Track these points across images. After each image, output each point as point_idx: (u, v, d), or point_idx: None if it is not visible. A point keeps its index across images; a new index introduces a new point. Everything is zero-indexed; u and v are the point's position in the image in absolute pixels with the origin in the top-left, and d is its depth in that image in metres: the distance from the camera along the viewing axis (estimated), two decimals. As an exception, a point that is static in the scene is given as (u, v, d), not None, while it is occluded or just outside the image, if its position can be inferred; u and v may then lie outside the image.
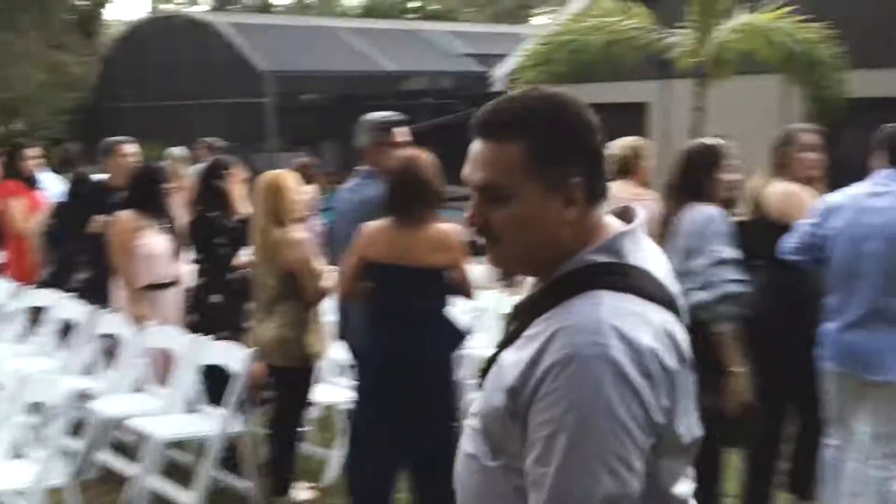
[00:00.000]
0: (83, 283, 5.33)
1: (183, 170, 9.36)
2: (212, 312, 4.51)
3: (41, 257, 5.71)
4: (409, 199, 3.32)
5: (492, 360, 1.36)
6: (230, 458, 4.19)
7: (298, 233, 4.00)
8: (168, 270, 4.75)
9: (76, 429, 4.41)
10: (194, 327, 4.52)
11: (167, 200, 4.90)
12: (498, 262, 1.37)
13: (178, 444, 4.39)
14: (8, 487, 3.54)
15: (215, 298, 4.51)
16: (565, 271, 1.31)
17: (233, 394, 4.02)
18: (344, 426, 4.38)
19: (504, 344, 1.35)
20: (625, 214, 1.39)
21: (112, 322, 4.87)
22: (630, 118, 10.84)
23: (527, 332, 1.29)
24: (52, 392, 3.60)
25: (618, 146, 4.50)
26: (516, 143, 1.28)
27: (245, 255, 4.44)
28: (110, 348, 4.95)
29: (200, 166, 9.31)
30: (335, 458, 4.37)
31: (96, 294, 5.08)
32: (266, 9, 28.76)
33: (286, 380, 4.05)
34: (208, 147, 9.81)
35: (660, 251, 1.41)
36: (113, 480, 4.31)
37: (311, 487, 4.24)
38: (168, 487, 4.05)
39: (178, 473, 4.24)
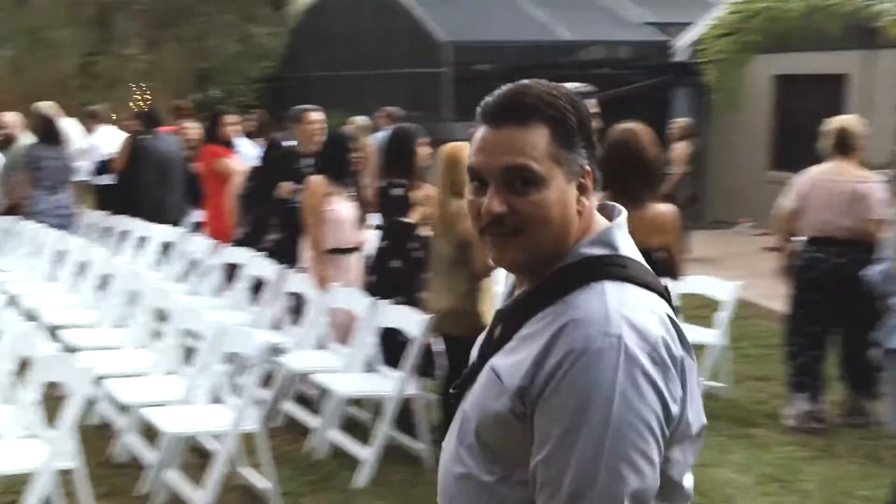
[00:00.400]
0: (274, 243, 5.66)
1: (365, 138, 9.72)
2: (390, 277, 4.68)
3: (236, 218, 6.10)
4: (627, 175, 3.19)
5: (474, 372, 1.30)
6: (405, 418, 4.34)
7: None
8: (352, 236, 4.95)
9: (265, 380, 4.72)
10: (372, 289, 4.72)
11: (354, 168, 5.09)
12: (512, 257, 1.28)
13: (357, 401, 4.59)
14: (206, 430, 3.85)
15: (395, 264, 4.67)
16: (563, 266, 1.26)
17: (409, 357, 4.16)
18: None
19: (489, 351, 1.29)
20: (603, 209, 1.36)
21: (299, 282, 5.15)
22: (826, 91, 10.13)
23: (520, 333, 1.24)
24: (247, 344, 3.86)
25: (836, 123, 4.23)
26: (541, 127, 1.25)
27: (424, 225, 4.56)
28: (296, 306, 5.24)
29: (381, 135, 9.63)
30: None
31: (286, 254, 5.37)
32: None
33: (459, 349, 4.12)
34: (388, 116, 10.10)
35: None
36: (296, 430, 4.59)
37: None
38: (346, 441, 4.26)
39: (356, 429, 4.45)
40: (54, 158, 7.23)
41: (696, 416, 1.23)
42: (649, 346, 1.16)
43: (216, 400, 4.03)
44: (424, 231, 4.56)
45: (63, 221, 7.15)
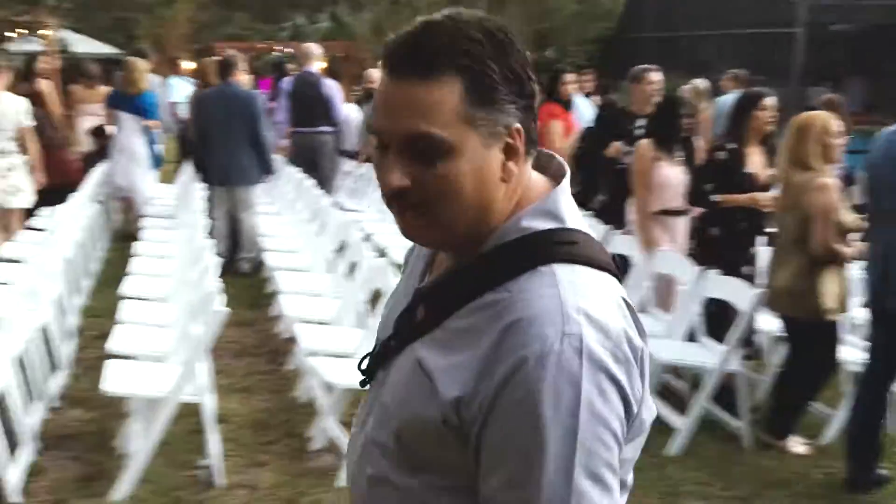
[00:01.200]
0: (601, 204, 5.72)
1: (703, 102, 9.36)
2: (708, 244, 4.54)
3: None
4: None
5: (388, 352, 1.10)
6: (724, 394, 4.22)
7: (825, 178, 3.78)
8: (681, 200, 4.85)
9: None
10: (691, 256, 4.62)
11: (687, 132, 4.96)
12: (422, 234, 1.07)
13: (674, 370, 4.54)
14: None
15: (714, 231, 4.53)
16: (499, 243, 1.05)
17: (735, 331, 4.01)
18: (850, 387, 4.11)
19: (409, 333, 1.08)
20: (547, 164, 1.12)
21: (624, 243, 5.17)
22: None
23: (453, 324, 1.03)
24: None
25: None
26: (451, 80, 1.00)
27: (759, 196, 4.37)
28: (621, 267, 5.27)
29: (727, 98, 9.24)
30: (837, 418, 4.13)
31: (612, 215, 5.41)
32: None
33: (795, 331, 3.92)
34: (735, 78, 9.61)
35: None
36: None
37: (807, 444, 4.08)
38: (662, 408, 4.24)
39: (670, 396, 4.41)
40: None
41: (649, 411, 1.08)
42: (612, 342, 0.99)
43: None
44: (756, 197, 4.35)
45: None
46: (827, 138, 3.81)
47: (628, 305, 1.06)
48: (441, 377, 1.01)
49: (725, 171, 4.42)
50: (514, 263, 1.02)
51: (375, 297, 4.29)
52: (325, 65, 17.32)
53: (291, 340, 4.56)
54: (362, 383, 1.14)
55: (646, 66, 5.68)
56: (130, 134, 7.59)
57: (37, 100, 7.04)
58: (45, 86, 7.65)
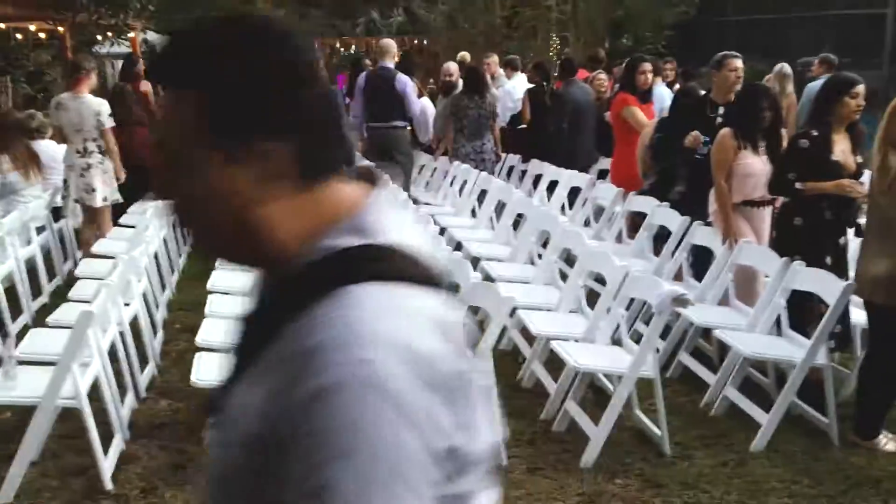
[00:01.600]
0: (680, 195, 5.61)
1: (788, 87, 9.10)
2: (790, 234, 4.42)
3: (645, 167, 6.14)
4: None
5: (222, 393, 0.99)
6: (809, 389, 4.10)
7: None
8: (764, 190, 4.73)
9: (664, 330, 4.76)
10: (773, 246, 4.51)
11: (771, 123, 4.82)
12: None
13: (758, 364, 4.44)
14: (606, 369, 4.02)
15: (797, 221, 4.40)
16: (301, 265, 0.95)
17: (824, 325, 3.89)
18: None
19: (235, 372, 0.98)
20: (369, 178, 1.02)
21: (705, 234, 5.07)
22: None
23: (262, 358, 0.93)
24: (652, 292, 3.93)
25: None
26: (192, 92, 0.93)
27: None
28: (701, 260, 5.17)
29: (815, 84, 8.96)
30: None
31: (692, 206, 5.30)
32: None
33: (887, 320, 3.78)
34: (823, 63, 9.31)
35: (413, 218, 1.00)
36: (691, 384, 4.58)
37: (898, 439, 3.94)
38: (745, 402, 4.15)
39: (755, 391, 4.31)
40: (476, 107, 7.90)
41: (490, 434, 0.97)
42: (419, 367, 0.87)
43: (616, 342, 4.18)
44: (843, 185, 4.21)
45: (483, 164, 7.83)
46: None
47: (451, 325, 0.94)
48: (240, 413, 0.93)
49: (809, 158, 4.28)
50: (312, 287, 0.92)
51: (455, 290, 4.32)
52: (398, 59, 17.46)
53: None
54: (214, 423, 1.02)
55: (727, 52, 5.54)
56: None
57: (142, 99, 7.28)
58: (147, 87, 7.93)
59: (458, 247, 6.14)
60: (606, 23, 19.56)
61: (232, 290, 4.55)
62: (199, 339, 3.79)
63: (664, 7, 19.72)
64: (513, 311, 4.39)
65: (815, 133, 4.32)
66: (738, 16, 16.63)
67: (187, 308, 5.52)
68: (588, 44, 18.51)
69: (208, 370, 3.48)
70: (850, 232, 4.43)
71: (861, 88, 4.29)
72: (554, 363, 4.30)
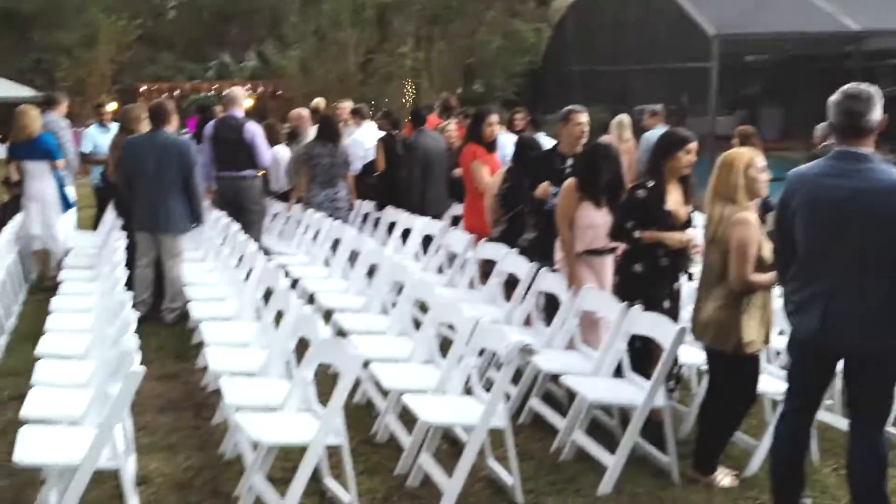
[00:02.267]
0: (529, 242, 5.77)
1: (626, 135, 9.62)
2: (630, 280, 4.63)
3: (495, 216, 6.29)
4: None
5: None
6: (652, 428, 4.26)
7: (747, 213, 3.89)
8: (605, 240, 4.92)
9: (516, 374, 4.84)
10: (615, 292, 4.70)
11: (611, 178, 5.01)
12: None
13: (606, 407, 4.57)
14: (457, 421, 4.03)
15: (637, 268, 4.61)
16: None
17: (661, 368, 4.07)
18: (771, 417, 4.20)
19: None
20: None
21: (552, 281, 5.22)
22: None
23: None
24: (500, 342, 3.99)
25: None
26: None
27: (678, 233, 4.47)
28: (549, 305, 5.31)
29: (649, 134, 9.47)
30: (761, 449, 4.21)
31: (541, 253, 5.46)
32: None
33: (718, 363, 4.00)
34: (653, 114, 9.89)
35: None
36: (543, 429, 4.67)
37: (734, 475, 4.14)
38: (592, 445, 4.27)
39: (602, 433, 4.44)
40: (329, 155, 7.88)
41: None
42: None
43: (468, 391, 4.20)
44: (678, 237, 4.46)
45: (337, 213, 7.78)
46: (752, 172, 3.92)
47: None
48: None
49: (646, 208, 4.51)
50: None
51: (303, 346, 4.23)
52: (251, 103, 17.18)
53: (218, 394, 4.46)
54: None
55: (573, 107, 5.76)
56: (39, 180, 7.42)
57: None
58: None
59: (310, 299, 6.05)
60: (459, 70, 20.12)
61: (63, 353, 4.28)
62: (24, 412, 3.52)
63: (513, 57, 20.51)
64: (366, 364, 4.35)
65: (650, 184, 4.56)
66: (581, 66, 17.48)
67: (20, 373, 5.14)
68: (441, 89, 18.95)
69: (33, 446, 3.23)
70: (684, 278, 4.68)
71: (693, 145, 4.57)
72: (409, 415, 4.27)
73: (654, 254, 4.55)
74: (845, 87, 3.43)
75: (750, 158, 3.95)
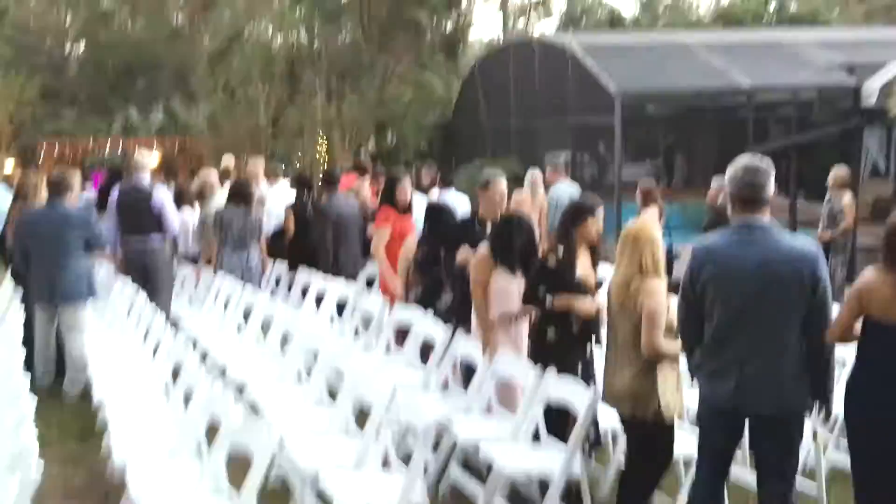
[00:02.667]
0: (447, 305, 5.77)
1: (539, 191, 9.84)
2: (544, 345, 4.69)
3: (408, 280, 6.28)
4: None
5: None
6: (571, 493, 4.28)
7: (656, 282, 4.01)
8: (519, 305, 4.97)
9: (434, 444, 4.80)
10: (529, 356, 4.74)
11: (525, 247, 5.07)
12: None
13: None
14: (374, 502, 3.96)
15: (550, 334, 4.67)
16: None
17: (576, 435, 4.11)
18: (685, 477, 4.28)
19: None
20: None
21: (467, 346, 5.24)
22: None
23: None
24: (417, 415, 3.96)
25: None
26: None
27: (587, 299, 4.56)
28: (465, 370, 5.32)
29: (554, 190, 9.69)
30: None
31: (458, 318, 5.46)
32: (615, 22, 28.88)
33: (636, 431, 4.06)
34: (556, 170, 10.15)
35: None
36: (463, 500, 4.63)
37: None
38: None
39: (522, 501, 4.43)
40: (242, 218, 7.76)
41: None
42: None
43: (386, 463, 4.15)
44: (588, 305, 4.54)
45: (248, 277, 7.65)
46: (657, 251, 4.04)
47: None
48: None
49: (557, 275, 4.59)
50: None
51: (214, 426, 4.10)
52: (158, 160, 16.81)
53: (125, 480, 4.26)
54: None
55: (492, 173, 5.86)
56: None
57: None
58: None
59: (222, 371, 5.89)
60: (371, 123, 20.23)
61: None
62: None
63: (424, 109, 20.77)
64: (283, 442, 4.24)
65: (561, 251, 4.64)
66: (490, 119, 17.84)
67: None
68: (353, 142, 19.00)
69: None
70: (594, 342, 4.76)
71: (600, 213, 4.70)
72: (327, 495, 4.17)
73: (566, 320, 4.61)
74: (743, 160, 3.59)
75: (653, 238, 4.07)
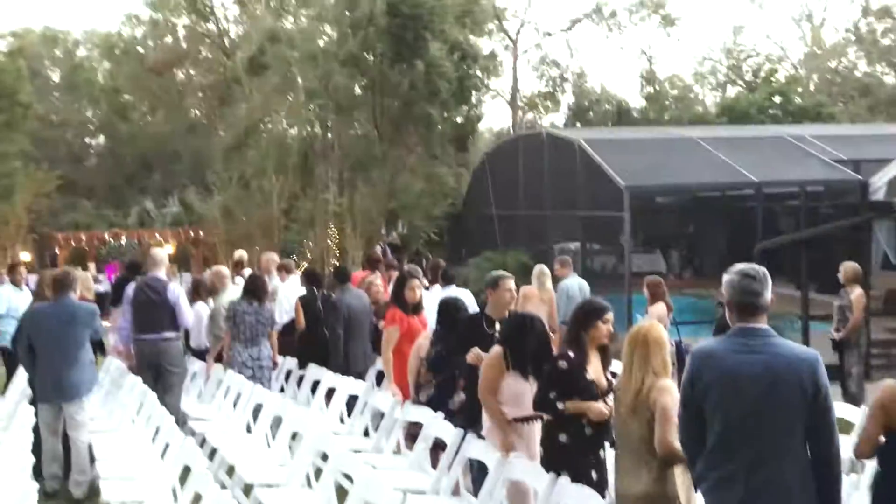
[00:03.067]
0: (458, 405, 5.68)
1: (547, 284, 9.84)
2: (556, 450, 4.60)
3: (419, 379, 6.21)
4: None
5: None
6: None
7: (667, 380, 3.99)
8: (531, 408, 4.92)
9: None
10: (542, 461, 4.65)
11: (537, 348, 5.04)
12: None
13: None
14: None
15: (562, 438, 4.59)
16: None
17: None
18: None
19: None
20: None
21: (479, 448, 5.15)
22: None
23: None
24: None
25: None
26: None
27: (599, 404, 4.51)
28: (477, 471, 5.22)
29: (567, 283, 9.71)
30: None
31: (470, 418, 5.37)
32: (623, 114, 29.44)
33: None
34: (563, 265, 10.19)
35: None
36: None
37: None
38: None
39: None
40: (254, 313, 7.77)
41: None
42: None
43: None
44: (601, 409, 4.48)
45: (259, 373, 7.61)
46: (665, 354, 4.03)
47: None
48: None
49: (568, 379, 4.55)
50: None
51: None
52: (172, 250, 16.99)
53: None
54: None
55: (501, 273, 5.85)
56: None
57: None
58: None
59: (230, 471, 5.81)
60: (381, 213, 20.47)
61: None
62: None
63: (434, 200, 21.05)
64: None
65: (571, 355, 4.61)
66: (499, 210, 18.02)
67: None
68: (364, 233, 19.17)
69: None
70: (608, 446, 4.68)
71: (610, 315, 4.68)
72: None
73: (578, 423, 4.55)
74: (740, 266, 3.60)
75: (662, 340, 4.07)
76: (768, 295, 3.50)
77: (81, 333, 6.41)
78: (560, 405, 4.53)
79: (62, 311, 6.44)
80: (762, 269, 3.55)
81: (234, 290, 8.45)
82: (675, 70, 36.74)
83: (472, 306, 7.84)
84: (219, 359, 8.12)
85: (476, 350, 5.44)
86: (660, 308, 8.63)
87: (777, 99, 27.06)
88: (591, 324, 4.61)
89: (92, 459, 6.20)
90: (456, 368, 5.73)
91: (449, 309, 6.16)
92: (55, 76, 31.17)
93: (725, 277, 3.56)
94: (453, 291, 8.36)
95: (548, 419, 4.71)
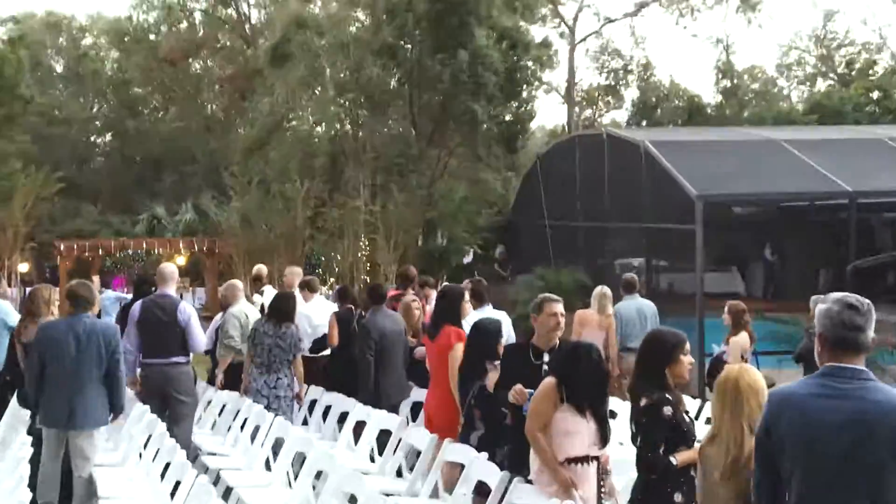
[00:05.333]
0: (507, 455, 5.57)
1: (609, 308, 9.78)
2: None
3: (473, 413, 6.14)
4: None
5: None
6: None
7: None
8: (587, 448, 4.89)
9: None
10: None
11: (597, 380, 5.03)
12: None
13: None
14: None
15: (678, 498, 4.43)
16: None
17: None
18: None
19: None
20: None
21: (528, 494, 5.13)
22: None
23: None
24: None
25: None
26: None
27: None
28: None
29: (628, 304, 9.65)
30: None
31: (520, 465, 5.27)
32: (695, 111, 29.18)
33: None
34: (628, 285, 10.13)
35: None
36: None
37: None
38: None
39: None
40: (274, 336, 7.82)
41: None
42: None
43: None
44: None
45: (276, 403, 7.66)
46: (763, 403, 3.95)
47: None
48: None
49: (673, 427, 4.43)
50: None
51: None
52: (184, 262, 17.07)
53: None
54: None
55: (547, 295, 5.76)
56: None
57: None
58: None
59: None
60: (419, 223, 20.41)
61: None
62: None
63: (479, 207, 21.01)
64: None
65: (668, 398, 4.47)
66: (553, 220, 17.89)
67: None
68: (398, 245, 19.16)
69: None
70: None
71: (688, 346, 4.62)
72: None
73: (690, 478, 4.41)
74: (840, 295, 3.49)
75: (760, 387, 3.96)
76: (871, 332, 3.36)
77: (98, 354, 6.38)
78: (673, 460, 4.42)
79: (77, 329, 6.39)
80: (867, 302, 3.40)
81: (243, 305, 8.57)
82: (756, 61, 36.48)
83: (509, 332, 7.71)
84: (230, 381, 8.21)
85: (518, 387, 5.33)
86: (743, 339, 8.53)
87: (875, 95, 26.66)
88: (674, 359, 4.55)
89: (93, 494, 6.28)
90: (503, 406, 5.66)
91: (476, 331, 6.11)
92: (58, 66, 31.87)
93: (821, 306, 3.43)
94: (488, 313, 7.90)
95: (649, 478, 4.50)
